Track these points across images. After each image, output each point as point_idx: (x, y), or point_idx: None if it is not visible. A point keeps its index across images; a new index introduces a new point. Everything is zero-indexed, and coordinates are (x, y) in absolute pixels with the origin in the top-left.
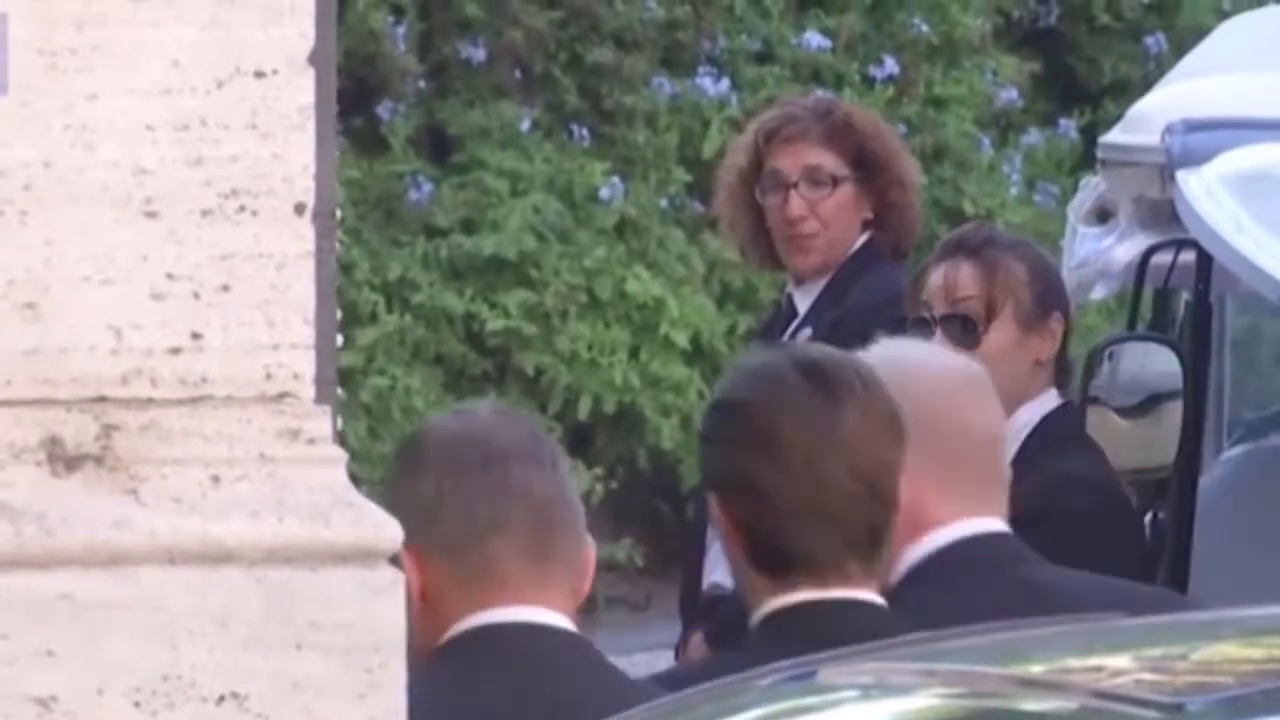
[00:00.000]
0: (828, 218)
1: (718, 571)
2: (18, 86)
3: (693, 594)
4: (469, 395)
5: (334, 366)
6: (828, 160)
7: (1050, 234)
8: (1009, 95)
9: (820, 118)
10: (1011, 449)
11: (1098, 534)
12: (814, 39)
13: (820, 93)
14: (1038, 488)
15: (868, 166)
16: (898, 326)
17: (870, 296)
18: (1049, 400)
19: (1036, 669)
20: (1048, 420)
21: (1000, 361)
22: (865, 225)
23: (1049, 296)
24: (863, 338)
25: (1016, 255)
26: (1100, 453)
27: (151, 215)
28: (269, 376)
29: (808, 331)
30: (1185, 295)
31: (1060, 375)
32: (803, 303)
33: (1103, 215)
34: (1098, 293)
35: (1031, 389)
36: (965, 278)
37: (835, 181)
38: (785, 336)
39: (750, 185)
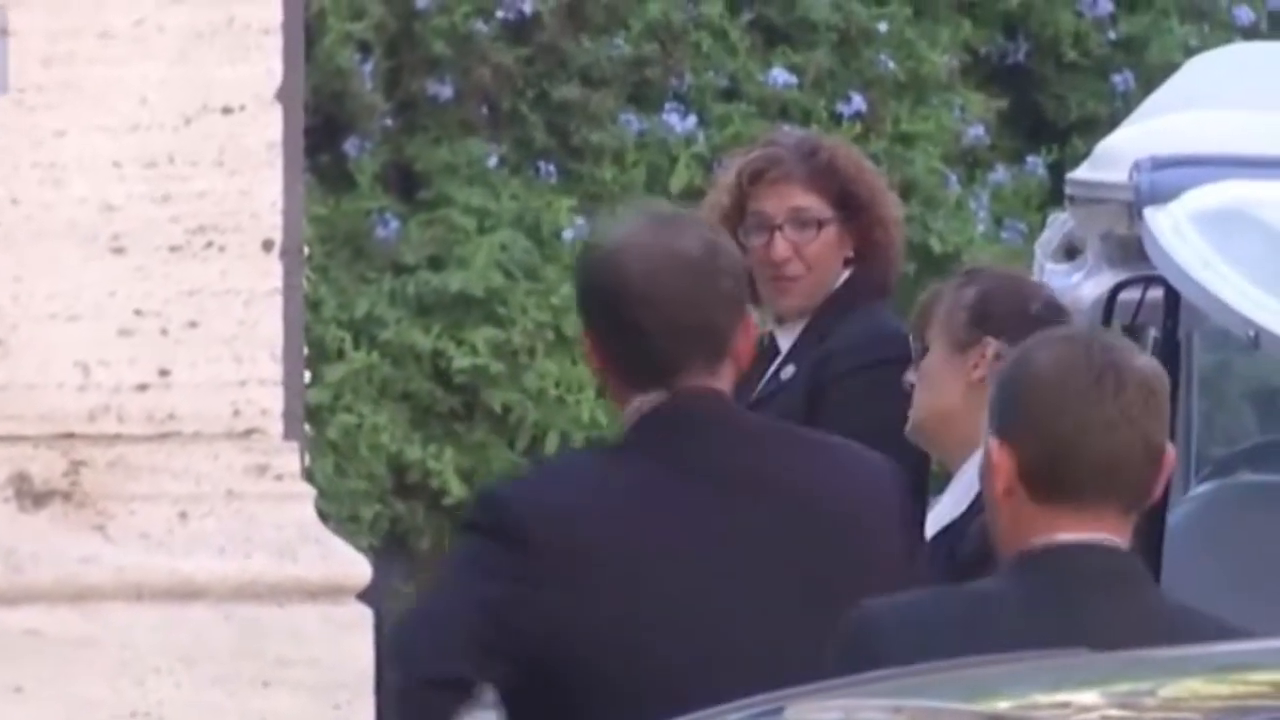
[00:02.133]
0: (812, 259)
1: None
2: None
3: None
4: (437, 432)
5: (302, 403)
6: (812, 202)
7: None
8: (976, 132)
9: (804, 159)
10: (975, 485)
11: None
12: (781, 76)
13: (795, 129)
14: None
15: (851, 207)
16: (881, 365)
17: (854, 335)
18: None
19: (1004, 705)
20: None
21: (929, 380)
22: (846, 263)
23: (983, 322)
24: (847, 376)
25: (977, 283)
26: None
27: (119, 252)
28: (237, 413)
29: (791, 369)
30: (1153, 332)
31: None
32: (785, 341)
33: (1070, 252)
34: None
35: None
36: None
37: (820, 224)
38: (767, 376)
39: (733, 225)
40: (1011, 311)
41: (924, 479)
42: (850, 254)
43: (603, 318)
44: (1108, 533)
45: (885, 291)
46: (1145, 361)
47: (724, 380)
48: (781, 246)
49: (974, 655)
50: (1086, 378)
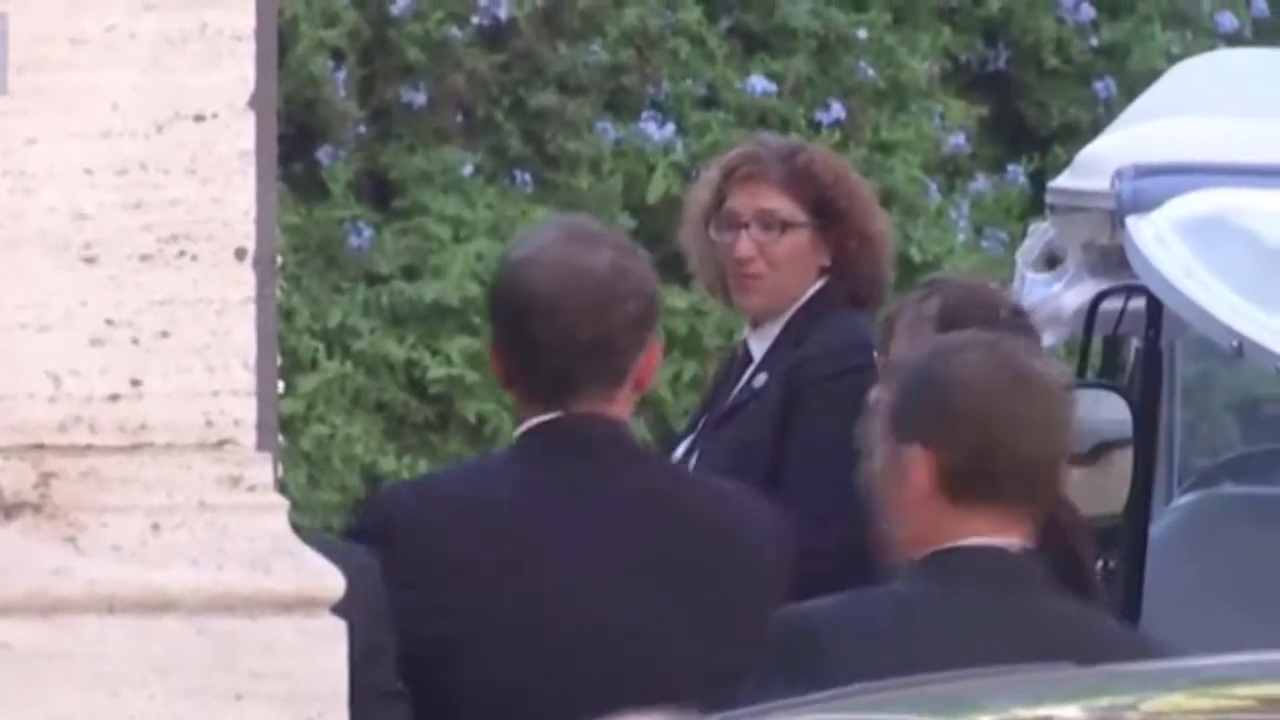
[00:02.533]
0: (776, 261)
1: None
2: None
3: None
4: (411, 443)
5: (275, 413)
6: (783, 205)
7: (999, 281)
8: (957, 140)
9: (782, 160)
10: None
11: None
12: (759, 83)
13: (765, 134)
14: None
15: (827, 214)
16: (854, 372)
17: (829, 342)
18: None
19: (985, 719)
20: None
21: None
22: (823, 271)
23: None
24: (821, 383)
25: (942, 295)
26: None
27: (90, 261)
28: (209, 423)
29: (764, 376)
30: (1135, 342)
31: None
32: (758, 348)
33: (1051, 261)
34: (1046, 339)
35: None
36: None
37: (787, 226)
38: (741, 382)
39: (710, 221)
40: (978, 320)
41: None
42: (826, 262)
43: (505, 330)
44: (1019, 536)
45: (863, 303)
46: (1054, 367)
47: (621, 404)
48: (745, 245)
49: (905, 655)
50: (1009, 380)
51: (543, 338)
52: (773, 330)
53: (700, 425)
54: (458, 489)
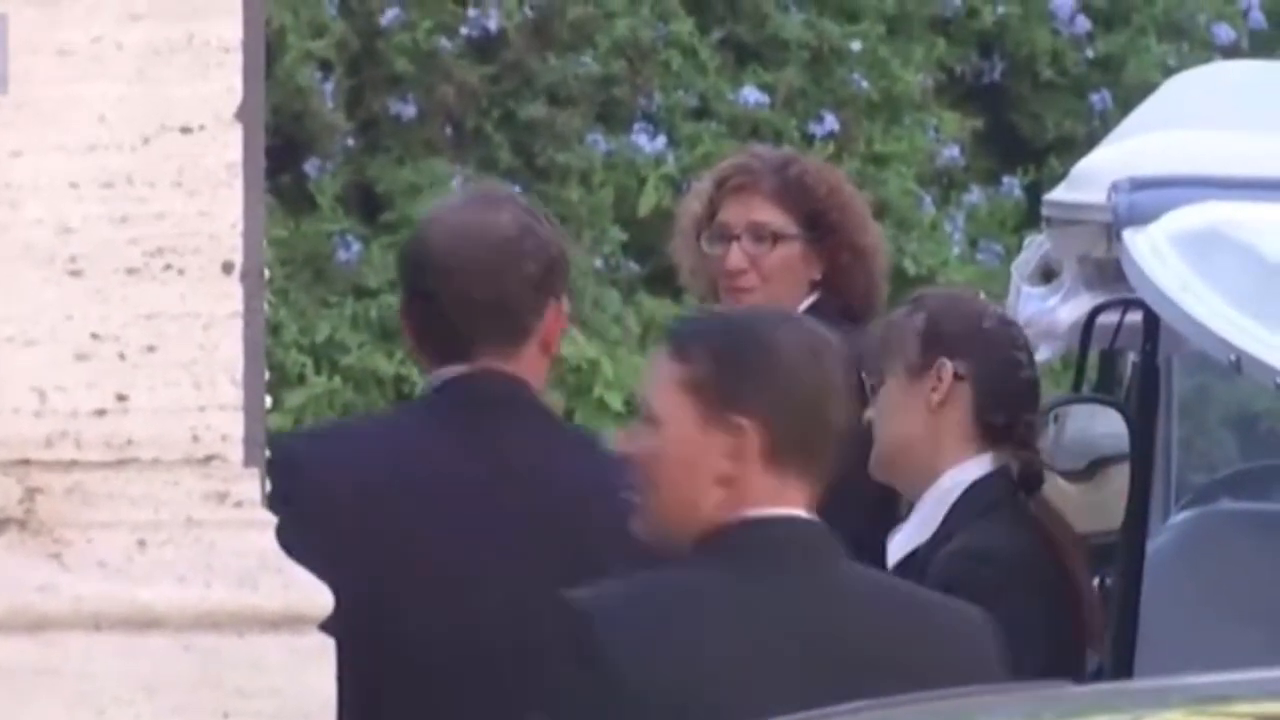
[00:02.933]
0: (768, 273)
1: None
2: None
3: None
4: None
5: (263, 428)
6: (775, 217)
7: (994, 294)
8: (951, 152)
9: (775, 172)
10: (938, 514)
11: (1004, 611)
12: (752, 95)
13: (758, 146)
14: (940, 560)
15: (819, 227)
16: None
17: None
18: (979, 465)
19: None
20: (972, 488)
21: (889, 410)
22: (815, 285)
23: (937, 345)
24: None
25: (929, 308)
26: (1026, 521)
27: (76, 274)
28: (196, 438)
29: None
30: (1132, 356)
31: (995, 437)
32: None
33: (1047, 275)
34: (1042, 354)
35: (950, 448)
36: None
37: (778, 238)
38: None
39: (702, 232)
40: (964, 330)
41: (895, 510)
42: (818, 276)
43: (408, 288)
44: (809, 507)
45: (855, 317)
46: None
47: (525, 364)
48: (736, 257)
49: (698, 635)
50: (819, 350)
51: (441, 295)
52: None
53: None
54: (359, 440)
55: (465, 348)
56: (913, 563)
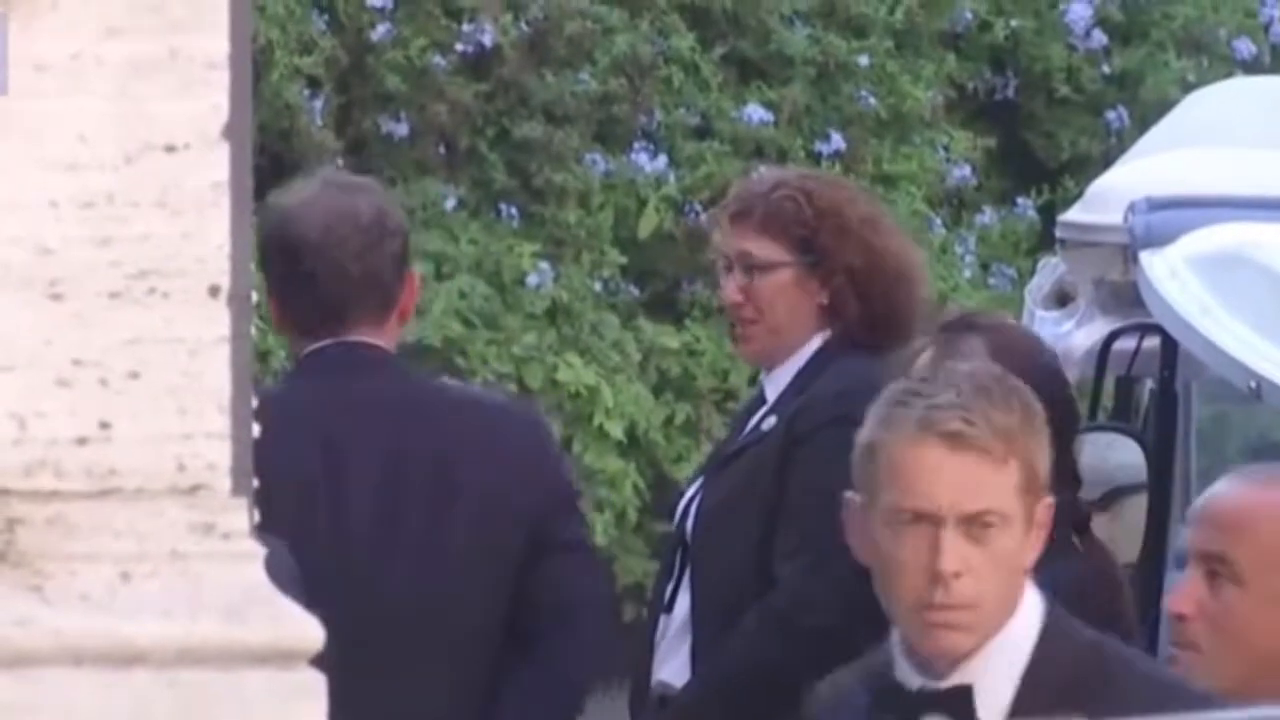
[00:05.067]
0: (762, 304)
1: (665, 669)
2: None
3: (641, 694)
4: None
5: (251, 457)
6: (760, 245)
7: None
8: (962, 172)
9: (763, 197)
10: None
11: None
12: (756, 113)
13: (767, 167)
14: None
15: (813, 252)
16: (845, 422)
17: (827, 389)
18: None
19: None
20: None
21: None
22: (824, 310)
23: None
24: (815, 432)
25: (986, 338)
26: (1092, 555)
27: (56, 298)
28: (181, 468)
29: (773, 420)
30: (1149, 383)
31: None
32: (771, 391)
33: (1062, 298)
34: None
35: None
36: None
37: (763, 268)
38: (751, 424)
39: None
40: (1029, 367)
41: None
42: (825, 301)
43: (282, 269)
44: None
45: (877, 344)
46: None
47: (388, 333)
48: (730, 288)
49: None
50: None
51: (318, 275)
52: (786, 374)
53: (709, 463)
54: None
55: (338, 321)
56: None
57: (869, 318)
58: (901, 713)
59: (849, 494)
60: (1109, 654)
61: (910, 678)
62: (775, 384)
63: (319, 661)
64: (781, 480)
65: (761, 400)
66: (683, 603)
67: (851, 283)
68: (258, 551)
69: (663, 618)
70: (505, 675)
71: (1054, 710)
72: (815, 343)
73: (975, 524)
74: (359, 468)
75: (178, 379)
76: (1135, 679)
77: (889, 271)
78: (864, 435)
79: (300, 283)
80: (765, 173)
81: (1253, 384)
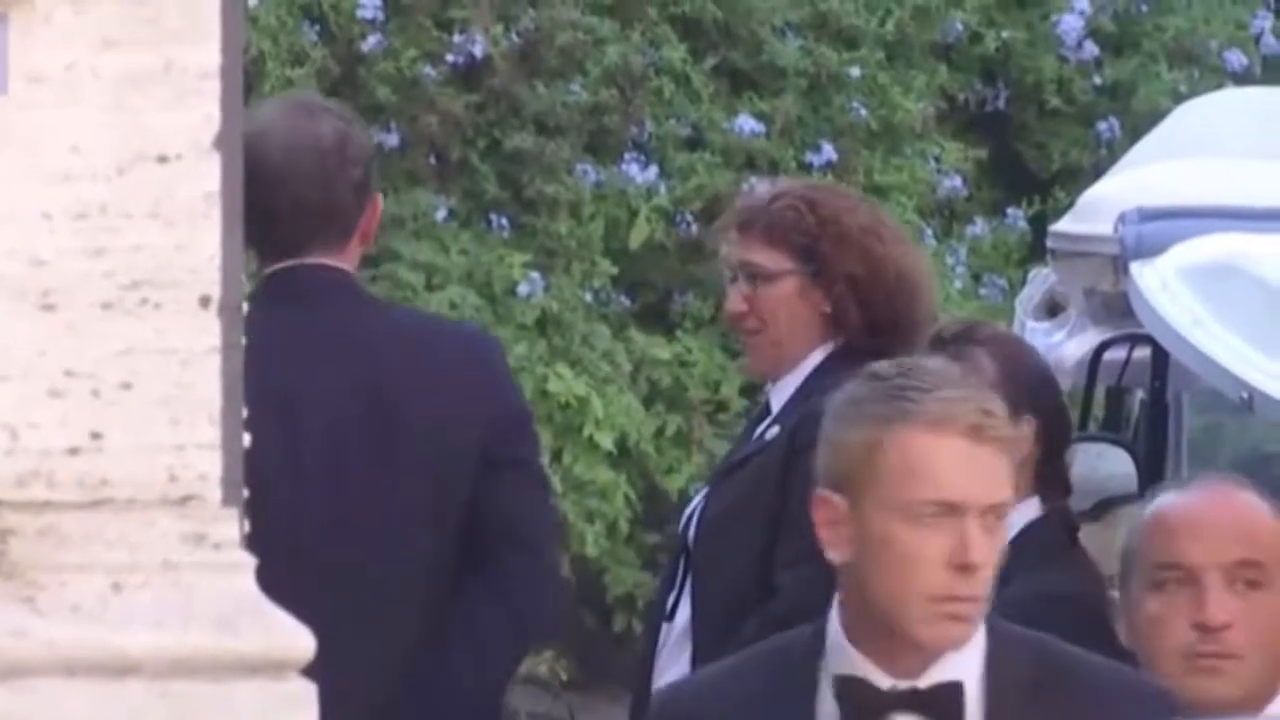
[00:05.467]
0: (765, 314)
1: (666, 678)
2: None
3: (642, 703)
4: None
5: (242, 468)
6: (763, 255)
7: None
8: (953, 183)
9: (765, 207)
10: None
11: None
12: (747, 124)
13: (760, 178)
14: (1012, 605)
15: (815, 260)
16: None
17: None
18: (1029, 509)
19: None
20: (1027, 531)
21: None
22: (828, 319)
23: (1019, 397)
24: (815, 441)
25: (989, 351)
26: (1084, 565)
27: (49, 308)
28: (173, 478)
29: (776, 430)
30: (1140, 393)
31: (1047, 481)
32: (776, 401)
33: (1053, 309)
34: None
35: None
36: None
37: (766, 277)
38: (755, 435)
39: None
40: (1037, 379)
41: None
42: (829, 309)
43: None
44: None
45: (878, 355)
46: None
47: (349, 257)
48: (733, 299)
49: None
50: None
51: (275, 203)
52: (791, 384)
53: (714, 474)
54: None
55: (297, 247)
56: None
57: (872, 326)
58: (875, 713)
59: (823, 492)
60: (1053, 649)
61: (875, 677)
62: (780, 394)
63: (308, 671)
64: (784, 490)
65: (766, 410)
66: (684, 611)
67: (853, 291)
68: (249, 562)
69: (664, 626)
70: (460, 601)
71: (1028, 707)
72: (819, 353)
73: (991, 515)
74: (309, 403)
75: (169, 389)
76: (1093, 671)
77: (890, 279)
78: (855, 432)
79: (259, 211)
80: (768, 184)
81: (1244, 395)
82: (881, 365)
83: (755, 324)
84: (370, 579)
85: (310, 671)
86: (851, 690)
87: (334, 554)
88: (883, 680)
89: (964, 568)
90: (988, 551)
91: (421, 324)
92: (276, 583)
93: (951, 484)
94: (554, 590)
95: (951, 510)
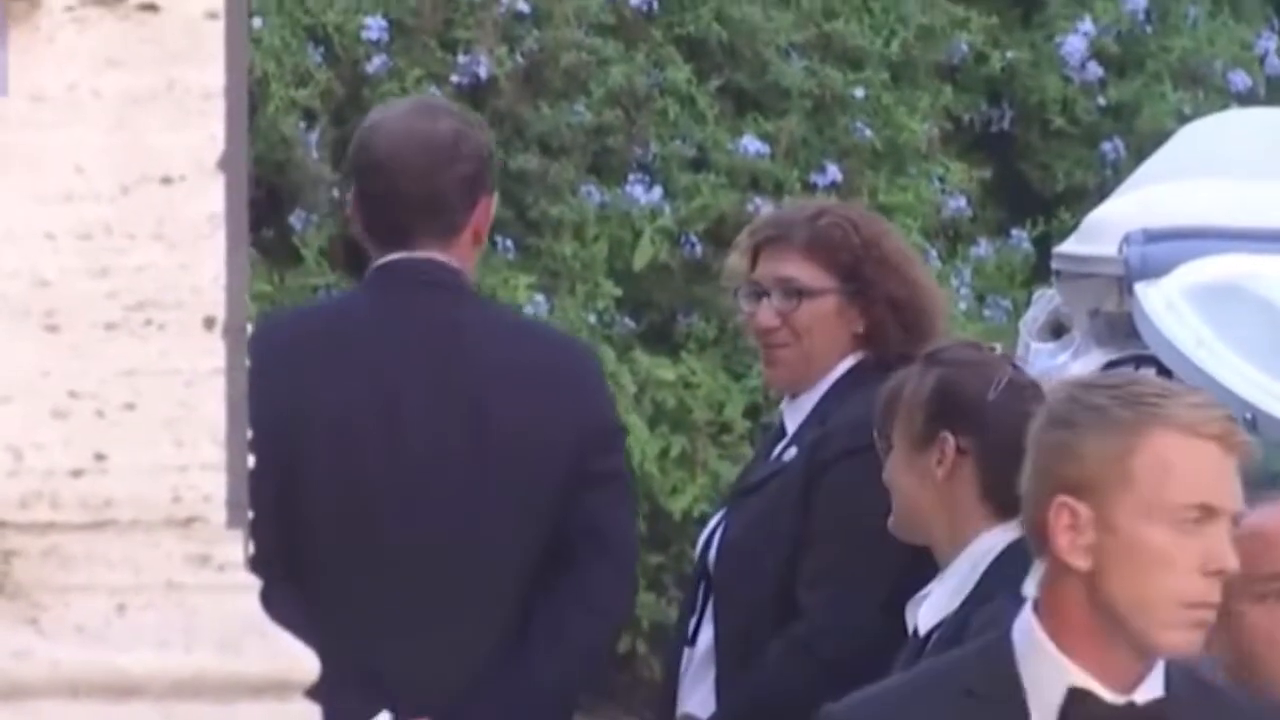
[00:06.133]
0: (802, 330)
1: (690, 702)
2: None
3: None
4: None
5: (246, 489)
6: (804, 271)
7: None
8: (957, 204)
9: (806, 224)
10: (968, 584)
11: None
12: (752, 144)
13: (764, 199)
14: (993, 623)
15: (856, 280)
16: (872, 449)
17: (850, 418)
18: (1006, 532)
19: None
20: (1007, 553)
21: (895, 486)
22: (857, 339)
23: (943, 415)
24: (839, 461)
25: (932, 370)
26: None
27: (53, 329)
28: (177, 499)
29: (793, 451)
30: None
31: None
32: (792, 421)
33: (1057, 330)
34: None
35: (965, 517)
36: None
37: (809, 294)
38: (772, 456)
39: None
40: (970, 403)
41: (921, 561)
42: (860, 329)
43: (358, 185)
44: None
45: (890, 373)
46: None
47: (459, 251)
48: (766, 314)
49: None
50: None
51: (379, 192)
52: (807, 404)
53: (731, 496)
54: (309, 315)
55: (403, 236)
56: (948, 628)
57: (896, 348)
58: None
59: (1063, 498)
60: (1187, 667)
61: (1097, 689)
62: (794, 415)
63: (311, 693)
64: (804, 511)
65: (781, 432)
66: (706, 635)
67: (894, 312)
68: (253, 583)
69: (686, 650)
70: (544, 602)
71: None
72: (837, 372)
73: (1233, 524)
74: (406, 400)
75: (173, 410)
76: (1227, 689)
77: (925, 304)
78: (1102, 438)
79: (368, 200)
80: (795, 203)
81: (1248, 415)
82: (1094, 376)
83: (786, 337)
84: (458, 575)
85: (395, 661)
86: (1082, 702)
87: (427, 548)
88: (1104, 693)
89: (1218, 574)
90: (1235, 560)
91: (519, 327)
92: (366, 568)
93: (1209, 487)
94: (633, 597)
95: (1207, 515)
